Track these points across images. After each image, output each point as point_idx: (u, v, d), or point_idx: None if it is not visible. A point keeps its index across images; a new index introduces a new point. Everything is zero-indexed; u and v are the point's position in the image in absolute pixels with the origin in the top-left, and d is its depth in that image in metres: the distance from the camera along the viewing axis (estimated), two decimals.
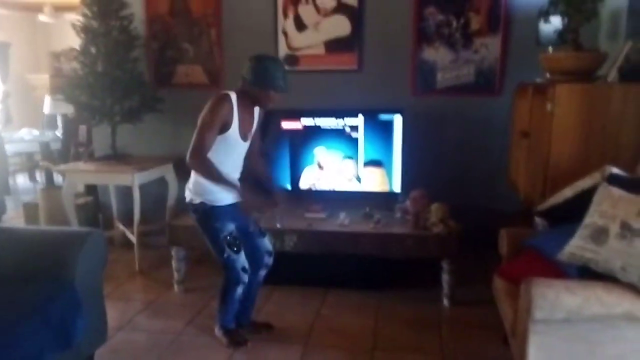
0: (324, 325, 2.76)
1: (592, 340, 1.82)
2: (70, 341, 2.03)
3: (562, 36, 2.51)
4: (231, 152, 2.37)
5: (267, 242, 2.58)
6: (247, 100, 2.36)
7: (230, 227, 2.40)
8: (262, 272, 2.60)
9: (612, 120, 2.31)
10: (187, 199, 2.42)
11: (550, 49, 2.70)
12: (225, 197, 2.36)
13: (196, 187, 2.37)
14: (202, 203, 2.36)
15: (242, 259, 2.44)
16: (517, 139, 2.99)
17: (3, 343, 1.75)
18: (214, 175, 2.28)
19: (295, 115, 3.40)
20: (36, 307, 1.96)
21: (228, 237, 2.38)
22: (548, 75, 2.60)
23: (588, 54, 2.45)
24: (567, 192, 2.17)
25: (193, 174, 2.38)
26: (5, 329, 1.80)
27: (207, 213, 2.36)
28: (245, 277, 2.45)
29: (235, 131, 2.33)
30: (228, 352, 2.50)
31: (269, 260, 2.58)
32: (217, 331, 2.58)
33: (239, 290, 2.46)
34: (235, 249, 2.40)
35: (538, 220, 2.57)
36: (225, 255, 2.39)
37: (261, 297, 3.06)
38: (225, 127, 2.29)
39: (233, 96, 2.31)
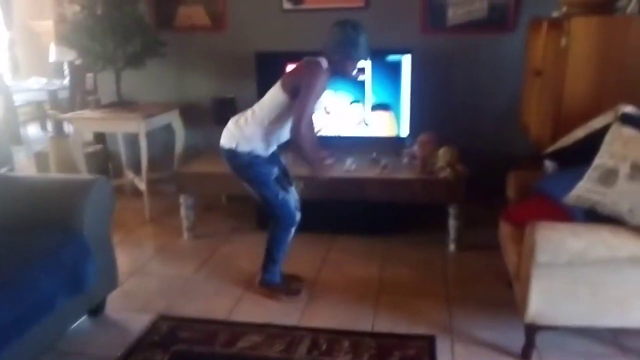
0: (331, 270, 2.80)
1: (595, 283, 1.82)
2: (82, 286, 2.09)
3: None
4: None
5: (295, 191, 2.54)
6: (332, 71, 2.32)
7: (276, 170, 2.42)
8: None
9: (630, 54, 2.19)
10: (230, 146, 2.36)
11: None
12: (266, 149, 2.37)
13: (245, 135, 2.33)
14: (250, 151, 2.33)
15: (294, 198, 2.46)
16: (529, 78, 2.87)
17: (16, 288, 1.80)
18: (313, 149, 2.34)
19: (301, 58, 3.28)
20: (47, 254, 2.00)
21: (277, 179, 2.40)
22: (564, 8, 2.45)
23: None
24: (579, 133, 2.10)
25: (243, 121, 2.36)
26: (17, 275, 1.85)
27: (254, 160, 2.35)
28: (299, 216, 2.46)
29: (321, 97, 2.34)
30: (235, 296, 2.56)
31: (297, 208, 2.52)
32: (266, 289, 2.53)
33: (292, 231, 2.48)
34: (286, 189, 2.43)
35: (547, 163, 2.51)
36: (280, 196, 2.39)
37: None
38: (320, 96, 2.31)
39: (324, 64, 2.29)
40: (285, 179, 2.49)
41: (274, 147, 2.43)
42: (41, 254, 1.99)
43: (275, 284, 2.53)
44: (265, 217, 3.27)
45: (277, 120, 2.31)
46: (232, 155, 2.37)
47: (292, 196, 2.46)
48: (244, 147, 2.33)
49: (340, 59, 2.29)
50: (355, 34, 2.26)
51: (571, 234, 1.77)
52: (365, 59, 2.36)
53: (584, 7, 2.30)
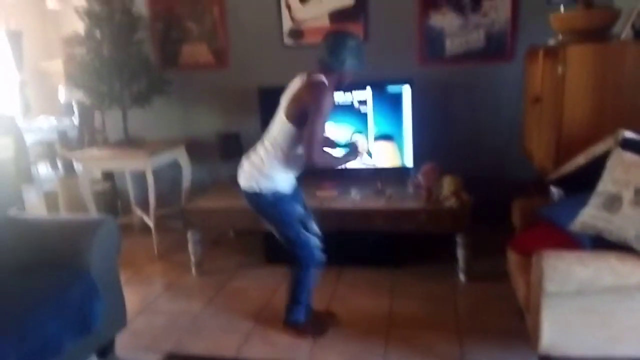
0: (340, 304, 2.77)
1: (606, 311, 1.79)
2: (90, 326, 2.09)
3: None
4: None
5: (314, 225, 2.50)
6: (332, 85, 2.27)
7: (299, 209, 2.40)
8: None
9: (626, 80, 2.20)
10: (251, 187, 2.31)
11: (561, 8, 2.57)
12: (288, 184, 2.35)
13: (265, 174, 2.28)
14: (274, 190, 2.30)
15: (314, 239, 2.42)
16: (529, 105, 2.89)
17: (22, 330, 1.81)
18: (336, 159, 2.34)
19: None
20: (54, 294, 2.02)
21: (298, 219, 2.38)
22: (559, 36, 2.49)
23: (600, 11, 2.33)
24: (580, 160, 2.10)
25: (258, 160, 2.30)
26: (24, 316, 1.86)
27: (278, 199, 2.31)
28: (321, 256, 2.42)
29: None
30: (244, 332, 2.55)
31: (318, 247, 2.47)
32: (291, 328, 2.49)
33: (314, 272, 2.43)
34: (307, 229, 2.41)
35: (554, 189, 2.51)
36: (302, 236, 2.36)
37: (277, 277, 3.11)
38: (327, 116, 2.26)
39: (326, 81, 2.22)
40: (305, 213, 2.46)
41: (292, 180, 2.38)
42: (48, 295, 2.00)
43: (300, 324, 2.48)
44: (273, 251, 3.31)
45: (290, 150, 2.26)
46: (255, 196, 2.32)
47: (313, 234, 2.43)
48: (267, 187, 2.29)
49: (339, 69, 2.23)
50: (352, 43, 2.22)
51: (578, 262, 1.75)
52: (363, 69, 2.29)
53: (579, 34, 2.33)
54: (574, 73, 2.25)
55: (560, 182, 2.33)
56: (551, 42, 2.63)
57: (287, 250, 2.41)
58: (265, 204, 2.32)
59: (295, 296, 2.45)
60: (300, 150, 2.24)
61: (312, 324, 2.50)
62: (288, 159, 2.28)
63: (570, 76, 2.25)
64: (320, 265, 2.44)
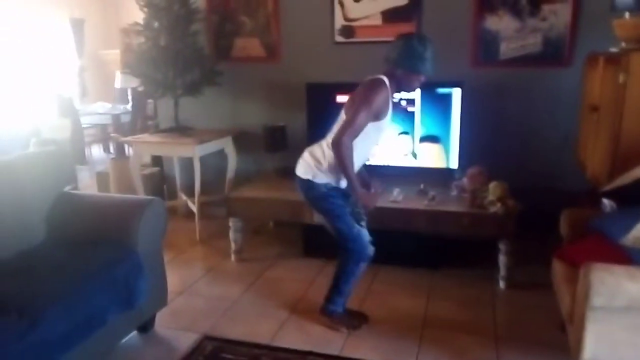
0: (375, 301, 2.77)
1: None
2: (133, 302, 2.17)
3: None
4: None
5: (366, 230, 2.47)
6: (394, 85, 2.26)
7: (351, 204, 2.42)
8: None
9: None
10: (307, 177, 2.34)
11: (626, 14, 2.47)
12: (344, 182, 2.36)
13: (322, 167, 2.31)
14: (327, 183, 2.32)
15: (367, 232, 2.43)
16: (586, 113, 2.79)
17: (70, 302, 1.89)
18: (351, 163, 2.21)
19: (351, 89, 3.34)
20: (102, 269, 2.10)
21: (351, 213, 2.39)
22: (623, 44, 2.39)
23: None
24: (638, 172, 2.02)
25: (319, 152, 2.33)
26: (73, 288, 1.95)
27: (331, 192, 2.34)
28: (372, 250, 2.42)
29: (389, 120, 2.31)
30: (279, 320, 2.59)
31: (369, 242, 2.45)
32: (327, 318, 2.49)
33: (363, 266, 2.43)
34: (360, 222, 2.42)
35: (605, 201, 2.42)
36: (355, 229, 2.36)
37: (314, 270, 3.14)
38: (379, 115, 2.22)
39: (387, 82, 2.22)
40: (359, 213, 2.47)
41: (349, 183, 2.35)
42: (96, 269, 2.09)
43: (337, 314, 2.49)
44: (312, 244, 3.34)
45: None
46: (309, 186, 2.34)
47: (365, 231, 2.43)
48: (321, 179, 2.31)
49: (406, 73, 2.22)
50: (422, 47, 2.18)
51: (628, 277, 1.68)
52: (431, 74, 2.26)
53: None
54: (637, 82, 2.17)
55: (614, 194, 2.24)
56: (613, 49, 2.54)
57: (338, 243, 2.41)
58: (317, 195, 2.35)
59: (339, 287, 2.46)
60: (357, 148, 2.21)
61: (348, 317, 2.51)
62: None
63: (632, 85, 2.17)
64: (370, 260, 2.44)
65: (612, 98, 2.30)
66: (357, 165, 2.33)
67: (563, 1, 3.18)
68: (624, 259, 1.85)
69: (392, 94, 2.28)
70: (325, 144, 2.34)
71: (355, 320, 2.52)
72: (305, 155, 2.41)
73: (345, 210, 2.36)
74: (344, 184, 2.37)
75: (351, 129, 2.15)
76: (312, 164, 2.34)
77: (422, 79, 2.27)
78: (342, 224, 2.36)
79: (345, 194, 2.39)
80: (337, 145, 2.15)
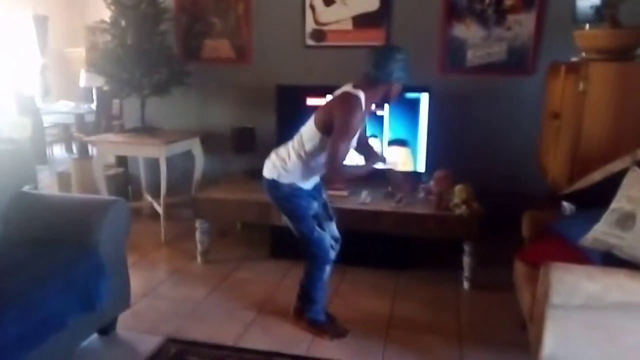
0: (341, 302, 2.77)
1: (612, 328, 1.77)
2: (94, 304, 2.11)
3: (599, 12, 2.38)
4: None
5: (334, 227, 2.50)
6: (372, 98, 2.26)
7: (316, 205, 2.40)
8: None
9: None
10: (271, 176, 2.35)
11: (587, 26, 2.57)
12: (309, 183, 2.37)
13: (286, 167, 2.31)
14: (292, 183, 2.32)
15: (328, 237, 2.41)
16: (548, 120, 2.88)
17: (27, 303, 1.83)
18: (354, 171, 2.34)
19: (321, 92, 3.36)
20: (61, 270, 2.04)
21: (315, 216, 2.38)
22: (583, 53, 2.49)
23: (625, 31, 2.33)
24: (596, 176, 2.10)
25: (285, 152, 2.34)
26: (30, 289, 1.89)
27: (295, 192, 2.33)
28: (334, 254, 2.42)
29: (359, 133, 2.32)
30: (245, 322, 2.56)
31: (336, 246, 2.49)
32: (310, 327, 2.46)
33: (328, 269, 2.42)
34: (322, 227, 2.40)
35: (565, 204, 2.50)
36: (316, 233, 2.35)
37: (281, 272, 3.12)
38: (355, 133, 2.25)
39: (362, 97, 2.19)
40: (325, 214, 2.47)
41: (314, 180, 2.40)
42: (55, 270, 2.03)
43: (320, 322, 2.46)
44: (278, 246, 3.32)
45: (312, 154, 2.27)
46: (274, 185, 2.35)
47: (329, 233, 2.43)
48: (285, 179, 2.32)
49: (386, 84, 2.22)
50: (398, 56, 2.20)
51: (586, 277, 1.74)
52: (409, 81, 2.28)
53: (603, 53, 2.33)
54: (595, 91, 2.25)
55: (573, 198, 2.33)
56: (574, 59, 2.63)
57: (300, 247, 2.41)
58: (281, 195, 2.35)
59: (310, 294, 2.44)
60: (322, 158, 2.24)
61: (333, 325, 2.49)
62: (309, 162, 2.30)
63: (591, 94, 2.26)
64: (332, 263, 2.44)
65: (572, 105, 2.38)
66: (316, 174, 2.38)
67: (527, 12, 3.29)
68: (582, 259, 1.91)
69: (369, 107, 2.29)
70: (291, 145, 2.35)
71: (340, 327, 2.48)
72: (272, 156, 2.42)
73: (307, 213, 2.36)
74: (308, 185, 2.38)
75: (338, 158, 2.15)
76: (278, 164, 2.35)
77: (401, 87, 2.28)
78: (303, 226, 2.36)
79: (311, 194, 2.40)
80: (335, 177, 2.24)
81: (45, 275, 1.98)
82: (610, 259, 1.85)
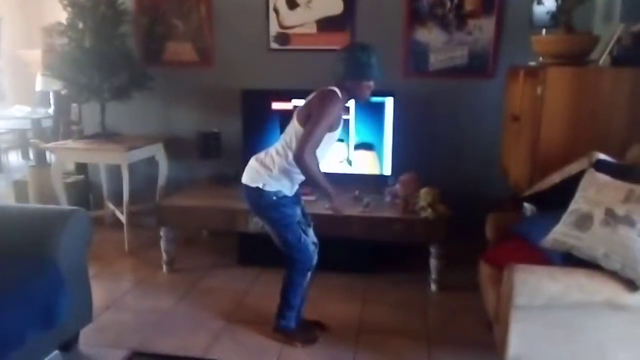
0: (310, 308, 2.74)
1: (573, 326, 1.83)
2: (53, 319, 2.04)
3: (554, 18, 2.46)
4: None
5: (312, 233, 2.47)
6: (346, 97, 2.25)
7: (299, 212, 2.39)
8: None
9: (602, 105, 2.28)
10: (256, 185, 2.28)
11: (543, 31, 2.65)
12: (291, 188, 2.34)
13: (273, 174, 2.27)
14: (278, 191, 2.28)
15: (311, 242, 2.40)
16: (508, 122, 2.96)
17: None
18: (320, 173, 2.20)
19: (286, 96, 3.36)
20: (18, 284, 1.96)
21: (299, 222, 2.36)
22: (540, 58, 2.56)
23: (579, 36, 2.41)
24: (555, 178, 2.16)
25: (269, 160, 2.29)
26: None
27: (281, 200, 2.29)
28: (316, 259, 2.41)
29: (339, 130, 2.29)
30: (213, 332, 2.52)
31: (315, 251, 2.45)
32: (280, 334, 2.45)
33: (309, 275, 2.41)
34: (306, 232, 2.38)
35: (527, 205, 2.56)
36: (302, 239, 2.34)
37: (249, 279, 3.09)
38: (334, 126, 2.23)
39: (339, 93, 2.20)
40: (304, 219, 2.44)
41: (297, 184, 2.37)
42: (12, 285, 1.95)
43: (290, 329, 2.44)
44: (246, 252, 3.29)
45: None
46: (258, 194, 2.29)
47: (311, 239, 2.42)
48: (271, 187, 2.27)
49: (355, 83, 2.22)
50: (366, 55, 2.20)
51: (548, 277, 1.79)
52: (380, 78, 2.28)
53: (559, 58, 2.40)
54: (553, 94, 2.31)
55: (534, 199, 2.39)
56: (532, 63, 2.71)
57: (283, 253, 2.37)
58: (266, 204, 2.30)
59: (288, 300, 2.41)
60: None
61: (303, 331, 2.46)
62: (294, 166, 2.24)
63: (548, 97, 2.32)
64: (313, 269, 2.42)
65: (531, 109, 2.45)
66: (302, 178, 2.31)
67: (487, 17, 3.36)
68: (543, 260, 1.96)
69: (344, 104, 2.29)
70: (274, 151, 2.30)
71: (310, 333, 2.47)
72: (253, 163, 2.35)
73: (293, 220, 2.33)
74: (292, 190, 2.35)
75: (311, 142, 2.12)
76: (262, 172, 2.28)
77: (372, 85, 2.27)
78: (290, 233, 2.33)
79: (294, 201, 2.37)
80: (301, 161, 2.13)
81: (1, 291, 1.89)
82: (569, 259, 1.91)
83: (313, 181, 2.22)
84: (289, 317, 2.44)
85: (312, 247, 2.40)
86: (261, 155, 2.36)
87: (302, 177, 2.30)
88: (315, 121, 2.13)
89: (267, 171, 2.28)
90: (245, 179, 2.34)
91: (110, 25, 3.53)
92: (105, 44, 3.52)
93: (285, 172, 2.27)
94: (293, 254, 2.36)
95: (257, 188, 2.28)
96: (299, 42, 3.66)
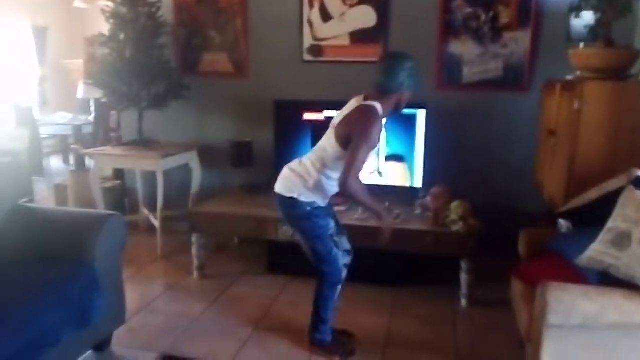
0: (339, 319, 2.74)
1: (610, 348, 1.77)
2: (88, 320, 2.10)
3: (593, 32, 2.41)
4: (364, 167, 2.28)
5: (346, 241, 2.45)
6: (385, 108, 2.21)
7: (332, 224, 2.36)
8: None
9: None
10: (291, 195, 2.26)
11: (581, 45, 2.60)
12: (325, 199, 2.32)
13: (308, 185, 2.25)
14: (312, 202, 2.27)
15: (343, 251, 2.38)
16: (544, 137, 2.90)
17: (21, 320, 1.82)
18: (368, 196, 2.18)
19: (319, 107, 3.39)
20: (56, 285, 2.03)
21: (332, 235, 2.35)
22: (578, 72, 2.51)
23: (619, 51, 2.35)
24: (592, 194, 2.11)
25: (304, 170, 2.27)
26: (24, 305, 1.88)
27: (314, 211, 2.28)
28: (345, 273, 2.38)
29: (378, 146, 2.27)
30: (242, 338, 2.54)
31: (348, 259, 2.44)
32: (318, 348, 2.42)
33: (339, 289, 2.39)
34: (338, 245, 2.36)
35: (562, 222, 2.50)
36: (333, 252, 2.31)
37: (278, 287, 3.11)
38: (375, 145, 2.21)
39: (379, 108, 2.17)
40: (337, 228, 2.42)
41: (334, 193, 2.34)
42: (50, 286, 2.02)
43: (327, 343, 2.41)
44: (276, 260, 3.31)
45: (334, 169, 2.22)
46: (292, 204, 2.27)
47: (342, 248, 2.39)
48: (306, 198, 2.25)
49: (399, 93, 2.19)
50: (410, 65, 2.18)
51: (583, 297, 1.74)
52: (419, 90, 2.26)
53: (597, 72, 2.35)
54: (591, 109, 2.26)
55: (570, 216, 2.33)
56: (569, 77, 2.65)
57: (313, 264, 2.36)
58: (300, 215, 2.28)
59: (321, 314, 2.39)
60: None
61: (341, 344, 2.44)
62: (331, 179, 2.25)
63: (586, 112, 2.27)
64: (344, 282, 2.40)
65: (568, 123, 2.40)
66: (337, 189, 2.28)
67: (523, 30, 3.33)
68: (578, 278, 1.91)
69: (384, 118, 2.25)
70: (310, 162, 2.29)
71: (347, 346, 2.45)
72: (287, 173, 2.33)
73: (326, 232, 2.31)
74: (325, 201, 2.34)
75: (355, 168, 2.10)
76: (298, 182, 2.26)
77: (410, 96, 2.26)
78: (321, 245, 2.31)
79: (327, 212, 2.36)
80: (347, 188, 2.10)
81: (39, 291, 1.97)
82: (606, 279, 1.85)
83: (362, 205, 2.21)
84: (324, 331, 2.41)
85: (342, 261, 2.36)
86: (295, 165, 2.35)
87: (336, 189, 2.28)
88: (357, 146, 2.10)
89: (302, 182, 2.26)
90: (280, 188, 2.33)
91: (150, 36, 3.66)
92: (145, 54, 3.64)
93: (320, 184, 2.26)
94: (323, 266, 2.34)
95: (292, 198, 2.27)
96: (332, 54, 3.70)
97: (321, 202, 2.31)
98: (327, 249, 2.31)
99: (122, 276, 2.45)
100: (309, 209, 2.27)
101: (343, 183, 2.10)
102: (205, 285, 3.18)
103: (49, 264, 2.13)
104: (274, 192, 2.36)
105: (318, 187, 2.26)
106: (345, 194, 2.15)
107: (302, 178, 2.27)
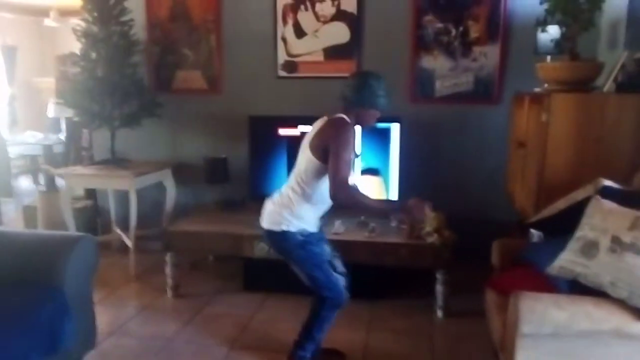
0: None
1: (580, 356, 1.79)
2: (58, 346, 2.04)
3: (559, 45, 2.48)
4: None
5: (340, 263, 2.40)
6: (353, 123, 2.23)
7: (327, 249, 2.34)
8: None
9: (607, 131, 2.27)
10: (279, 229, 2.22)
11: (548, 58, 2.67)
12: (315, 224, 2.30)
13: (295, 213, 2.21)
14: (303, 229, 2.23)
15: (342, 279, 2.34)
16: (514, 148, 2.96)
17: None
18: (367, 197, 2.18)
19: (293, 122, 3.39)
20: (23, 311, 1.97)
21: (329, 260, 2.32)
22: (545, 85, 2.58)
23: (584, 63, 2.42)
24: (560, 204, 2.15)
25: (286, 199, 2.23)
26: None
27: (307, 239, 2.24)
28: (347, 296, 2.33)
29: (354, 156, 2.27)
30: (217, 358, 2.49)
31: (344, 281, 2.37)
32: None
33: (337, 312, 2.34)
34: (335, 268, 2.33)
35: (533, 232, 2.54)
36: (333, 277, 2.28)
37: (255, 304, 3.07)
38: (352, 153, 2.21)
39: (348, 120, 2.19)
40: (331, 252, 2.38)
41: (320, 218, 2.32)
42: (17, 312, 1.96)
43: (305, 358, 2.36)
44: (252, 278, 3.27)
45: (318, 186, 2.19)
46: (283, 238, 2.23)
47: (339, 273, 2.35)
48: (295, 227, 2.22)
49: (364, 110, 2.22)
50: (377, 84, 2.21)
51: (554, 305, 1.76)
52: (387, 109, 2.28)
53: (564, 84, 2.42)
54: (558, 121, 2.32)
55: (540, 225, 2.37)
56: (537, 89, 2.72)
57: (312, 290, 2.31)
58: (293, 245, 2.24)
59: (312, 333, 2.34)
60: (327, 185, 2.15)
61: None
62: (316, 196, 2.22)
63: (554, 123, 2.32)
64: (345, 305, 2.36)
65: (537, 135, 2.45)
66: (324, 209, 2.29)
67: (492, 44, 3.41)
68: (550, 287, 1.94)
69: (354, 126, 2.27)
70: (290, 189, 2.25)
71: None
72: (270, 206, 2.29)
73: (322, 259, 2.28)
74: (316, 225, 2.30)
75: (341, 174, 2.07)
76: (283, 212, 2.22)
77: (378, 114, 2.28)
78: (319, 272, 2.27)
79: (320, 237, 2.33)
80: (339, 196, 2.08)
81: (6, 317, 1.91)
82: (576, 287, 1.88)
83: (365, 210, 2.17)
84: (308, 349, 2.36)
85: (342, 283, 2.33)
86: (275, 197, 2.30)
87: (324, 208, 2.28)
88: (337, 152, 2.09)
89: (287, 211, 2.22)
90: (267, 223, 2.27)
91: (123, 55, 3.62)
92: (117, 73, 3.60)
93: (308, 209, 2.23)
94: (323, 292, 2.29)
95: (282, 232, 2.22)
96: (306, 70, 3.72)
97: (311, 228, 2.27)
98: (326, 275, 2.27)
99: (92, 299, 2.39)
100: (301, 238, 2.23)
101: (334, 193, 2.07)
102: (179, 305, 3.12)
103: (16, 288, 2.07)
104: (261, 227, 2.31)
105: (304, 212, 2.23)
106: (343, 204, 2.13)
107: (286, 207, 2.23)
